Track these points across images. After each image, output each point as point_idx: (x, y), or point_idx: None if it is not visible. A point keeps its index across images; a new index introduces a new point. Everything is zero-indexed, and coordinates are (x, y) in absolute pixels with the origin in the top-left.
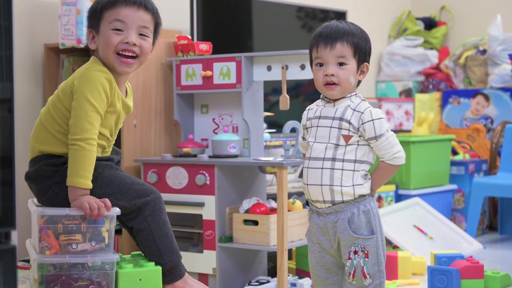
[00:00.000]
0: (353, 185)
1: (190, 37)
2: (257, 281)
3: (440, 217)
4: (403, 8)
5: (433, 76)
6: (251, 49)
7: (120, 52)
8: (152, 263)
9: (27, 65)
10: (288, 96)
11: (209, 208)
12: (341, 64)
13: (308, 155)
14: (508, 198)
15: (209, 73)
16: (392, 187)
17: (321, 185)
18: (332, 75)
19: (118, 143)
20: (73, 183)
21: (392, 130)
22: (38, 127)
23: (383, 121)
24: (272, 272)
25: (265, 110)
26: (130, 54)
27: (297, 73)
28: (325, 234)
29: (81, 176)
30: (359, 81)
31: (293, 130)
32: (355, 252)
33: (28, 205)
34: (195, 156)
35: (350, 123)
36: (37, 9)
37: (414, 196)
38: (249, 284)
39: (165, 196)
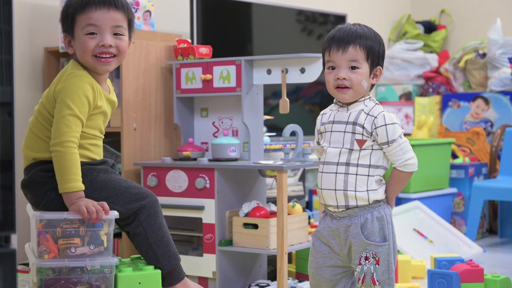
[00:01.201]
0: (367, 190)
1: (190, 40)
2: (257, 285)
3: (440, 221)
4: (403, 12)
5: (433, 80)
6: (251, 53)
7: (98, 55)
8: (151, 267)
9: (27, 68)
10: (288, 100)
11: (209, 212)
12: (353, 67)
13: (323, 159)
14: (508, 202)
15: (209, 76)
16: None
17: (335, 189)
18: (344, 78)
19: (117, 146)
20: (63, 190)
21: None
22: (29, 136)
23: (397, 126)
24: (272, 275)
25: (265, 114)
26: (107, 56)
27: (297, 77)
28: (335, 238)
29: (69, 180)
30: (373, 85)
31: (293, 133)
32: (366, 258)
33: (26, 210)
34: (195, 159)
35: (363, 127)
36: (37, 13)
37: (414, 199)
38: None
39: (165, 200)
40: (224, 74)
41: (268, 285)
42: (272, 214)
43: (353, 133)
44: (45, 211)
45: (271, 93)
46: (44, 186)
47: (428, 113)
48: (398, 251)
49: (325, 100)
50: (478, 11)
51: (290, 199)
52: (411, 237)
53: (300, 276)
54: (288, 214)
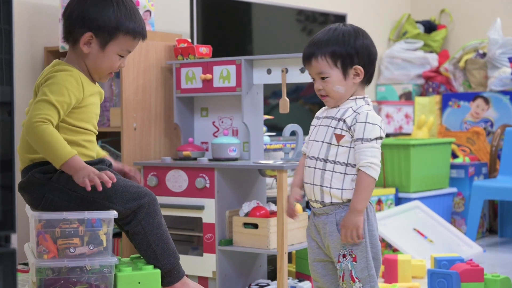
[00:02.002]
0: (342, 189)
1: (190, 40)
2: (257, 284)
3: (440, 220)
4: (403, 12)
5: (433, 79)
6: (251, 52)
7: (111, 72)
8: (151, 266)
9: (27, 68)
10: (288, 99)
11: (209, 211)
12: (323, 78)
13: (307, 153)
14: (508, 201)
15: (209, 76)
16: (392, 191)
17: (313, 184)
18: (319, 89)
19: (117, 146)
20: (57, 166)
21: (391, 134)
22: (24, 138)
23: (377, 128)
24: (272, 275)
25: (265, 113)
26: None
27: (297, 76)
28: (319, 233)
29: (55, 155)
30: (368, 78)
31: (293, 133)
32: (344, 256)
33: (25, 210)
34: (195, 159)
35: (345, 122)
36: (37, 12)
37: (414, 199)
38: (249, 287)
39: (165, 199)
40: (224, 73)
41: (268, 284)
42: (272, 213)
43: (335, 127)
44: None
45: (271, 92)
46: (42, 188)
47: (428, 112)
48: (397, 250)
49: None
50: (478, 10)
51: None
52: (411, 237)
53: (300, 276)
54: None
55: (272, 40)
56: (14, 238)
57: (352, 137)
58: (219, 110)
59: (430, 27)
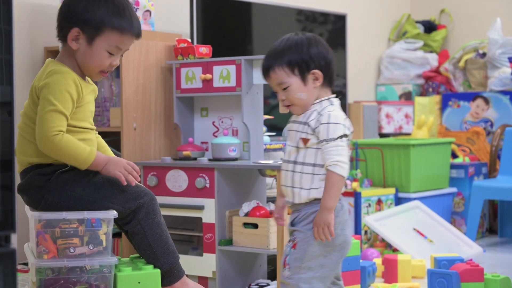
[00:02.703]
0: (310, 189)
1: (190, 40)
2: (256, 284)
3: (440, 220)
4: (402, 12)
5: (433, 79)
6: (251, 52)
7: (103, 71)
8: (151, 266)
9: (27, 68)
10: None
11: (208, 211)
12: (284, 88)
13: (283, 157)
14: (508, 201)
15: (209, 76)
16: (392, 190)
17: (286, 186)
18: (282, 100)
19: (117, 146)
20: (84, 167)
21: (391, 134)
22: (21, 141)
23: (340, 127)
24: (272, 275)
25: (265, 113)
26: (108, 72)
27: None
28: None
29: (79, 159)
30: (329, 81)
31: None
32: (288, 241)
33: (25, 210)
34: (195, 159)
35: (309, 125)
36: (37, 12)
37: (414, 199)
38: (248, 287)
39: (165, 199)
40: (224, 73)
41: (268, 284)
42: (272, 213)
43: (301, 132)
44: None
45: (271, 92)
46: (40, 190)
47: (428, 112)
48: (397, 250)
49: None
50: (478, 10)
51: None
52: (411, 237)
53: None
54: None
55: (272, 40)
56: (14, 238)
57: (317, 139)
58: (219, 110)
59: (430, 27)
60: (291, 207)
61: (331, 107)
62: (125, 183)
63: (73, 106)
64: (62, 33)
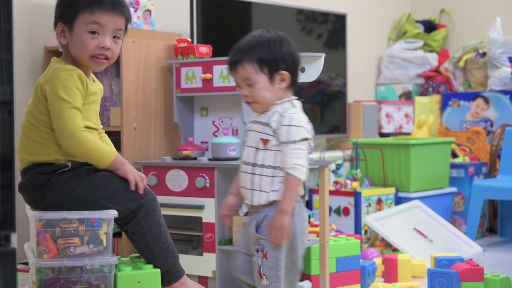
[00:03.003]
0: (270, 191)
1: (190, 40)
2: None
3: (440, 220)
4: (403, 11)
5: (433, 79)
6: None
7: (95, 55)
8: (151, 266)
9: (27, 68)
10: None
11: (209, 211)
12: (249, 84)
13: (241, 158)
14: (508, 201)
15: (209, 76)
16: (392, 190)
17: (245, 188)
18: (246, 95)
19: (117, 145)
20: (103, 167)
21: (391, 133)
22: (23, 139)
23: (301, 130)
24: None
25: None
26: (102, 57)
27: None
28: (247, 231)
29: (100, 157)
30: (293, 84)
31: None
32: (257, 250)
33: (26, 210)
34: (195, 158)
35: (270, 126)
36: (37, 12)
37: (414, 199)
38: None
39: (165, 199)
40: (224, 73)
41: None
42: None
43: (261, 132)
44: None
45: None
46: (41, 189)
47: (428, 112)
48: (397, 250)
49: (325, 99)
50: (478, 10)
51: None
52: (411, 236)
53: (300, 275)
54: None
55: None
56: (14, 238)
57: (278, 141)
58: (219, 110)
59: (430, 26)
60: (250, 208)
61: (294, 109)
62: (134, 188)
63: (82, 98)
64: (56, 34)
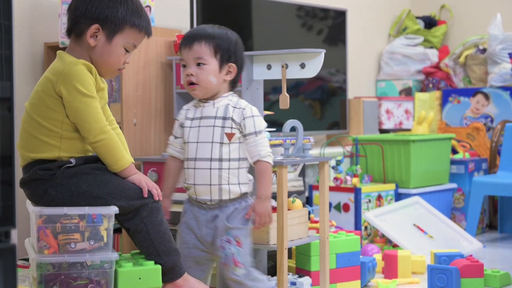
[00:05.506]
0: (239, 184)
1: None
2: None
3: (440, 216)
4: (403, 7)
5: (433, 75)
6: (251, 48)
7: (120, 68)
8: (152, 262)
9: (27, 64)
10: (288, 95)
11: None
12: (199, 64)
13: (193, 155)
14: (508, 197)
15: None
16: (392, 186)
17: (210, 184)
18: (192, 75)
19: None
20: (119, 169)
21: (391, 129)
22: (24, 136)
23: (261, 119)
24: (272, 271)
25: (265, 109)
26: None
27: (297, 72)
28: (201, 228)
29: (120, 158)
30: (234, 82)
31: (293, 129)
32: (228, 241)
33: (26, 205)
34: None
35: (232, 120)
36: (37, 8)
37: (414, 195)
38: None
39: None
40: None
41: (268, 280)
42: (272, 209)
43: (223, 127)
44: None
45: (271, 88)
46: (44, 184)
47: (428, 108)
48: (397, 246)
49: (325, 95)
50: (478, 6)
51: (290, 194)
52: (411, 232)
53: (300, 271)
54: (288, 209)
55: (272, 36)
56: (14, 234)
57: (241, 132)
58: None
59: (430, 22)
60: (213, 205)
61: (243, 101)
62: (146, 195)
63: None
64: (78, 29)
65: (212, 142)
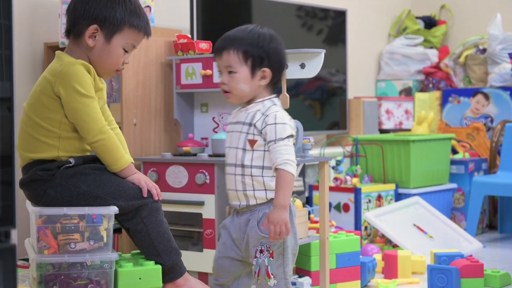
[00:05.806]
0: (265, 190)
1: (190, 36)
2: None
3: (440, 216)
4: (403, 7)
5: (433, 75)
6: None
7: (118, 69)
8: (152, 262)
9: (27, 64)
10: (288, 95)
11: (209, 207)
12: (230, 72)
13: (225, 161)
14: (508, 197)
15: (209, 72)
16: (392, 186)
17: (236, 190)
18: (224, 83)
19: None
20: (118, 169)
21: (391, 130)
22: (23, 136)
23: (287, 127)
24: None
25: None
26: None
27: (297, 72)
28: (237, 232)
29: (119, 158)
30: (274, 83)
31: None
32: (261, 251)
33: (26, 205)
34: (195, 155)
35: (255, 127)
36: (37, 8)
37: (414, 195)
38: None
39: (165, 195)
40: None
41: None
42: None
43: (247, 133)
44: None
45: None
46: (44, 184)
47: (428, 108)
48: (397, 246)
49: (325, 95)
50: (478, 6)
51: None
52: (411, 233)
53: (300, 272)
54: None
55: None
56: (14, 234)
57: (264, 140)
58: (219, 106)
59: (430, 22)
60: (241, 209)
61: (275, 107)
62: (146, 195)
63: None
64: (76, 30)
65: (237, 148)
